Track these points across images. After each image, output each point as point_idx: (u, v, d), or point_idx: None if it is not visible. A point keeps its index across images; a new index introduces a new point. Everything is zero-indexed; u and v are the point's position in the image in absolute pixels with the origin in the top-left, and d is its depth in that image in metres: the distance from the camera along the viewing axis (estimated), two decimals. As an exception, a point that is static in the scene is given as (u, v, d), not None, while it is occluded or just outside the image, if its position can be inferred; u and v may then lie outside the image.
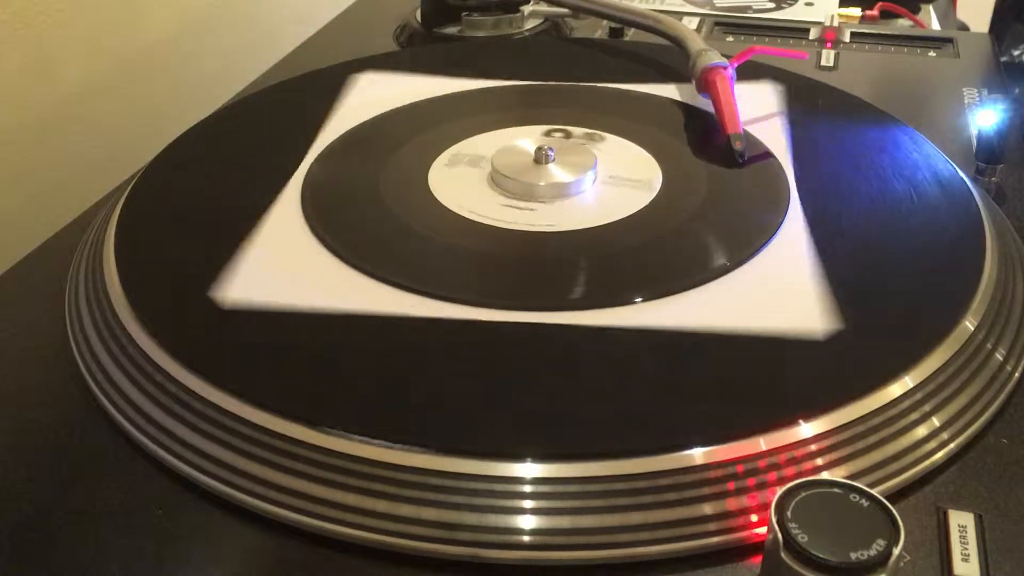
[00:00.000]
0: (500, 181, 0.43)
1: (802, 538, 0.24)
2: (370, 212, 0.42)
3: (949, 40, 0.66)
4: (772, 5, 0.72)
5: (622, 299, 0.36)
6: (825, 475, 0.29)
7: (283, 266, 0.38)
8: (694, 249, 0.39)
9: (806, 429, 0.30)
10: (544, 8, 0.69)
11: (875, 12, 0.75)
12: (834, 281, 0.37)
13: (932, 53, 0.64)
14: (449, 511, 0.28)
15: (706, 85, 0.50)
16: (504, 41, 0.65)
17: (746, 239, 0.39)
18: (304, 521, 0.29)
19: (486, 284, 0.38)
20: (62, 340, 0.37)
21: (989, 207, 0.42)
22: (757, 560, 0.28)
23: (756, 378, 0.32)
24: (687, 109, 0.52)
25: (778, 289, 0.37)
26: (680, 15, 0.69)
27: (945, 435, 0.31)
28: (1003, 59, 0.64)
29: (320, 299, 0.36)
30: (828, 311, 0.35)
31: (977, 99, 0.56)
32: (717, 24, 0.69)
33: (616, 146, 0.47)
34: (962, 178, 0.44)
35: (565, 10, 0.67)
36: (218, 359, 0.33)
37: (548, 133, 0.48)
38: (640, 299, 0.36)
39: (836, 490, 0.26)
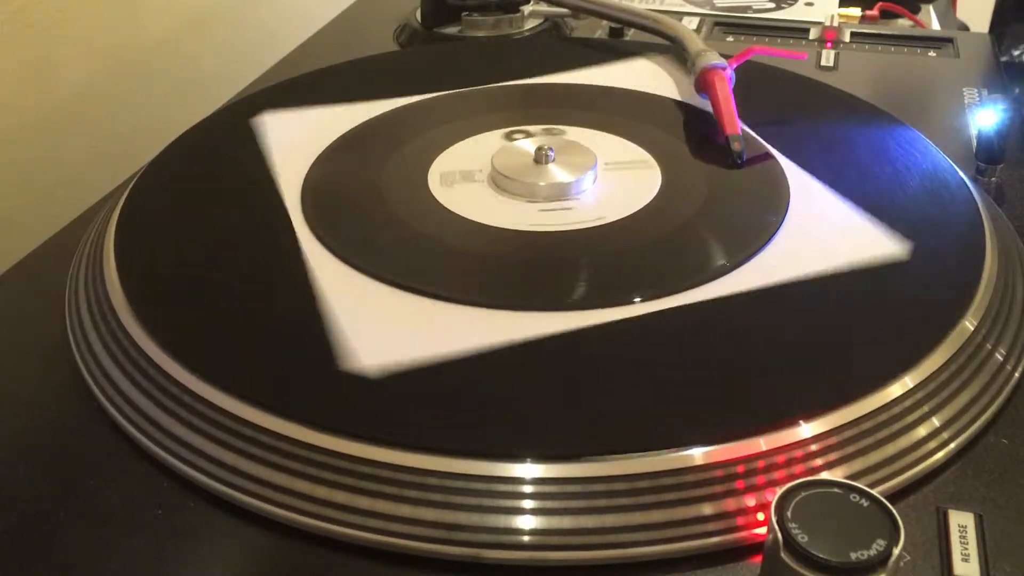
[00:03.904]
0: (500, 181, 0.43)
1: (802, 538, 0.24)
2: (371, 213, 0.42)
3: (949, 40, 0.66)
4: (772, 5, 0.72)
5: (623, 299, 0.36)
6: (825, 475, 0.29)
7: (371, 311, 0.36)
8: (694, 250, 0.39)
9: (806, 429, 0.30)
10: (544, 8, 0.69)
11: (875, 12, 0.75)
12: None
13: (932, 53, 0.64)
14: (449, 511, 0.28)
15: (705, 86, 0.50)
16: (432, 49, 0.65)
17: (751, 231, 0.39)
18: (304, 521, 0.29)
19: (486, 285, 0.38)
20: (62, 340, 0.37)
21: (989, 207, 0.42)
22: (757, 560, 0.28)
23: (756, 378, 0.32)
24: (686, 109, 0.52)
25: (829, 235, 0.39)
26: (680, 15, 0.69)
27: (945, 435, 0.31)
28: (1003, 59, 0.64)
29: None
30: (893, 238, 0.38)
31: (977, 99, 0.56)
32: (717, 24, 0.69)
33: (585, 138, 0.48)
34: (962, 178, 0.44)
35: (565, 10, 0.67)
36: (218, 359, 0.33)
37: (509, 135, 0.48)
38: (639, 299, 0.36)
39: (836, 490, 0.26)
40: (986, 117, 0.47)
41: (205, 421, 0.31)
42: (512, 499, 0.28)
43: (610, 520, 0.28)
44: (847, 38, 0.66)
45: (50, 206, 0.58)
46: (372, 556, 0.28)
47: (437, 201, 0.43)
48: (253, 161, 0.47)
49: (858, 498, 0.25)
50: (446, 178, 0.45)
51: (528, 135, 0.48)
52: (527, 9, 0.68)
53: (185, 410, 0.32)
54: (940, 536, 0.29)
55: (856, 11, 0.74)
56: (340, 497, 0.29)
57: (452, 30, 0.66)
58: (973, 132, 0.52)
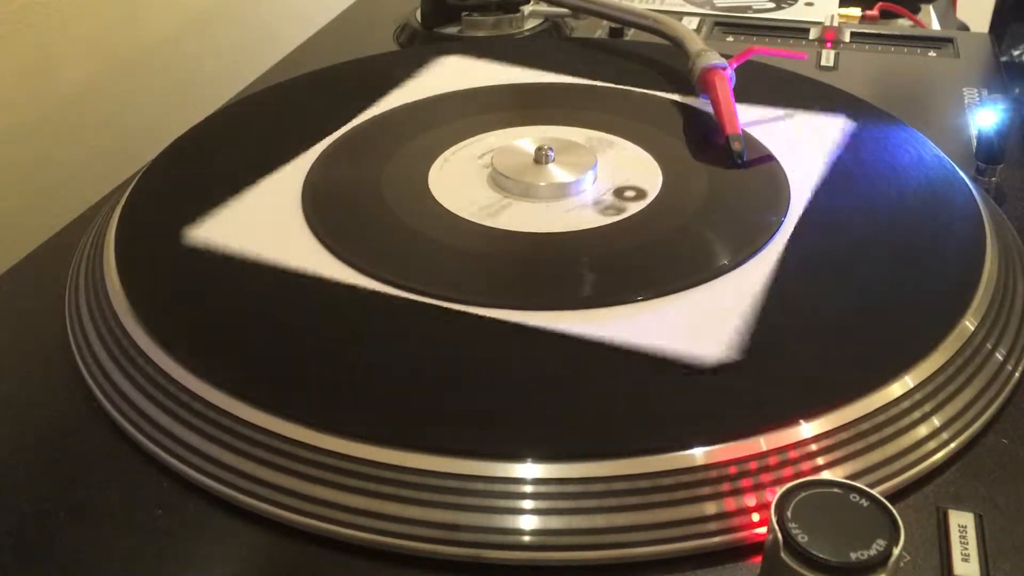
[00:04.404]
0: (500, 181, 0.43)
1: (802, 538, 0.24)
2: (371, 213, 0.42)
3: (949, 40, 0.66)
4: (772, 5, 0.72)
5: (624, 298, 0.36)
6: (825, 475, 0.29)
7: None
8: (693, 249, 0.39)
9: (806, 429, 0.30)
10: (544, 8, 0.69)
11: (875, 12, 0.75)
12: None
13: (932, 53, 0.64)
14: (450, 512, 0.28)
15: (705, 86, 0.50)
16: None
17: (752, 231, 0.39)
18: (304, 521, 0.29)
19: (486, 285, 0.38)
20: (62, 340, 0.37)
21: (989, 207, 0.42)
22: (757, 560, 0.28)
23: (756, 378, 0.32)
24: (686, 109, 0.52)
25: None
26: (680, 15, 0.69)
27: (945, 435, 0.31)
28: (1003, 59, 0.64)
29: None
30: None
31: (977, 99, 0.56)
32: (717, 24, 0.69)
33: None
34: (962, 178, 0.44)
35: (565, 10, 0.67)
36: (218, 359, 0.33)
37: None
38: (640, 298, 0.36)
39: (836, 490, 0.26)
40: (986, 117, 0.47)
41: (205, 421, 0.31)
42: (512, 499, 0.28)
43: (610, 520, 0.28)
44: (847, 38, 0.66)
45: (50, 206, 0.58)
46: (372, 556, 0.28)
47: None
48: (254, 160, 0.47)
49: (858, 498, 0.25)
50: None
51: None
52: (527, 9, 0.68)
53: (185, 410, 0.32)
54: (940, 536, 0.29)
55: (856, 11, 0.74)
56: (340, 497, 0.29)
57: (452, 30, 0.66)
58: (973, 132, 0.52)
